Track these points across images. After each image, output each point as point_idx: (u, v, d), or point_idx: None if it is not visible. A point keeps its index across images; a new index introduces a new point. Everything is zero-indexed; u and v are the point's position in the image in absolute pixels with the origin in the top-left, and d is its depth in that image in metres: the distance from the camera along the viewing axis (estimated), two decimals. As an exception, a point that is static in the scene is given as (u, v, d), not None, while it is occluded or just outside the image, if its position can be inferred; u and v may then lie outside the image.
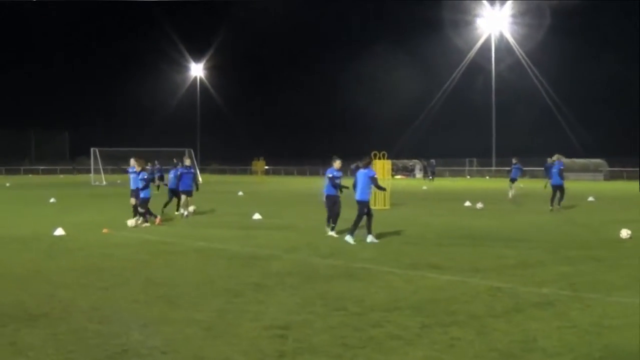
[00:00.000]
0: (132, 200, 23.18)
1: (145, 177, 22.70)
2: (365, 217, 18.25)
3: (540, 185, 34.29)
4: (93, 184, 62.13)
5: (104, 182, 62.72)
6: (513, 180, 36.47)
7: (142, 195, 22.42)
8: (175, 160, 29.63)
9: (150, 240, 18.27)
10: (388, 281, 12.06)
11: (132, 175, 23.13)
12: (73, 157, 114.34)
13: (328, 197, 19.77)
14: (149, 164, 25.74)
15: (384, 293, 10.97)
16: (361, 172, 18.56)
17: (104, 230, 20.40)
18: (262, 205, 29.71)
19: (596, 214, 26.85)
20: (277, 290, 11.27)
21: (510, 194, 35.62)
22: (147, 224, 22.31)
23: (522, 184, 46.84)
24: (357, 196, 18.50)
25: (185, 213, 25.59)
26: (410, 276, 12.55)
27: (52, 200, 36.51)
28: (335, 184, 19.53)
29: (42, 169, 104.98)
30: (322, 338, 8.21)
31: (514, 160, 38.06)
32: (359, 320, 9.11)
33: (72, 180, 75.25)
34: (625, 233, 18.43)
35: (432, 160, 70.99)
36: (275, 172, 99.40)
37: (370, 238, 18.08)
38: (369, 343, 7.99)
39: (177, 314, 9.51)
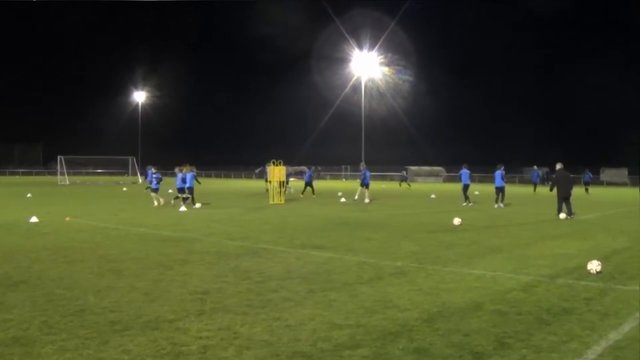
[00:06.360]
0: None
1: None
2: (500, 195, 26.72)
3: (396, 187, 34.83)
4: (59, 183, 59.96)
5: (67, 182, 60.91)
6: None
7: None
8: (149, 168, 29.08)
9: (102, 227, 17.63)
10: (283, 258, 11.97)
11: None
12: (45, 162, 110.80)
13: (465, 186, 28.48)
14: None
15: (280, 267, 10.88)
16: (497, 172, 26.62)
17: (67, 219, 19.78)
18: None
19: (437, 207, 27.53)
20: (198, 265, 11.03)
21: (356, 195, 31.80)
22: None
23: (384, 185, 47.40)
24: (496, 184, 26.96)
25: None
26: (300, 254, 12.51)
27: (29, 195, 35.51)
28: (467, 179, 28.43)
29: (22, 172, 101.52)
30: (233, 300, 8.06)
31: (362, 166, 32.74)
32: (260, 287, 8.99)
33: (44, 180, 72.83)
34: (457, 221, 18.95)
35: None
36: (198, 175, 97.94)
37: (499, 205, 26.67)
38: (268, 304, 7.88)
39: (122, 283, 9.19)
